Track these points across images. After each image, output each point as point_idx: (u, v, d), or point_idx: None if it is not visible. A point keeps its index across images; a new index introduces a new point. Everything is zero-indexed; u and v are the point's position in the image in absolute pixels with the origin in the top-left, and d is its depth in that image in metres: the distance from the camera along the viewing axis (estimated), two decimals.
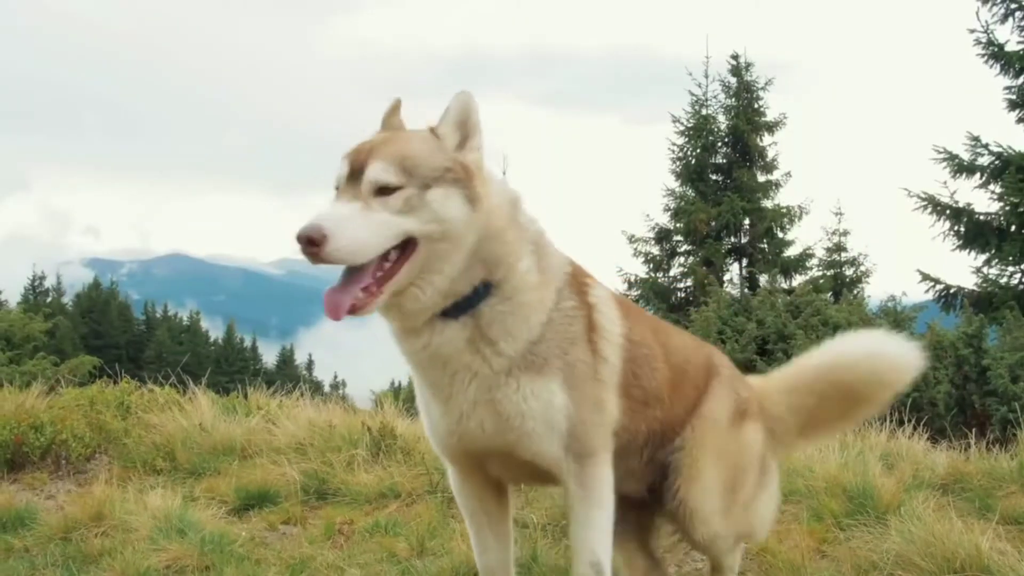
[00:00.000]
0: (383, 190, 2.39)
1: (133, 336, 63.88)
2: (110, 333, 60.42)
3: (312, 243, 2.25)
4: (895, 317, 11.19)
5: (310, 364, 77.95)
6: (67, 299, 62.04)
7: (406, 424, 6.32)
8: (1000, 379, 8.17)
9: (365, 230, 2.33)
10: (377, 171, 2.39)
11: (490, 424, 2.63)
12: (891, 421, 6.22)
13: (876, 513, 4.18)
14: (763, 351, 11.28)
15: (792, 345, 10.63)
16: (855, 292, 22.85)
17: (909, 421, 6.23)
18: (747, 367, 10.86)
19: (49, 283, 58.17)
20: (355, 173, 2.41)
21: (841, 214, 27.13)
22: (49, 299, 56.22)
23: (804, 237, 27.72)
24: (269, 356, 75.63)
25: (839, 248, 26.92)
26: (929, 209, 16.26)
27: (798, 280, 25.87)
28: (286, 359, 73.00)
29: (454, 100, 2.58)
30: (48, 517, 4.83)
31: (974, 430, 6.48)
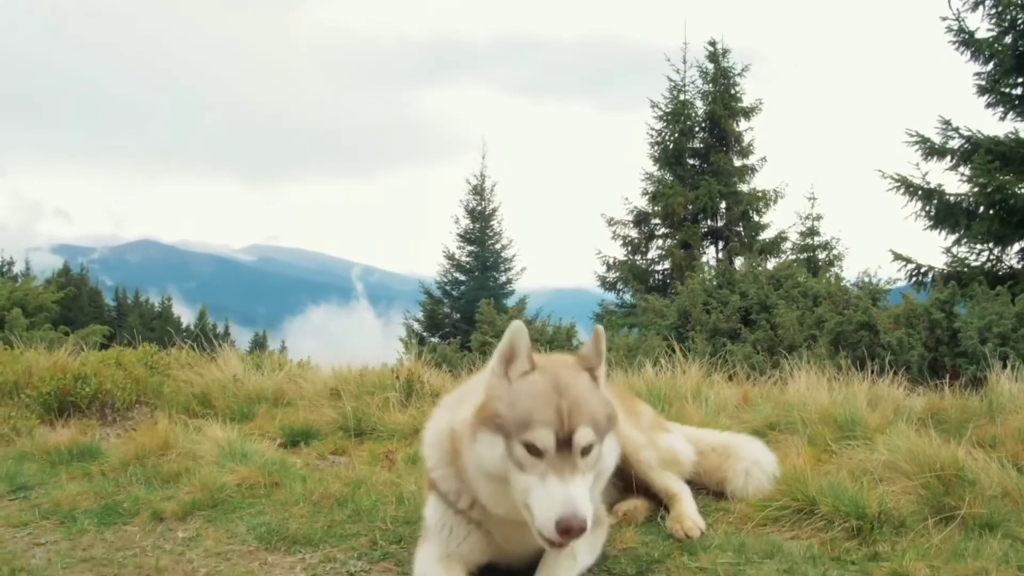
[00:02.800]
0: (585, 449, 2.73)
1: (104, 322, 63.52)
2: (80, 319, 60.06)
3: (580, 532, 2.57)
4: (870, 289, 11.81)
5: (283, 349, 77.73)
6: (37, 284, 61.57)
7: (430, 373, 6.83)
8: (970, 340, 8.78)
9: (589, 498, 2.69)
10: (583, 438, 2.69)
11: None
12: (871, 374, 6.79)
13: (864, 437, 4.74)
14: (747, 320, 11.86)
15: (775, 314, 11.21)
16: (828, 276, 23.57)
17: (887, 370, 6.79)
18: (732, 335, 11.47)
19: (18, 269, 57.78)
20: (563, 441, 2.66)
21: (814, 199, 27.95)
22: (19, 284, 55.70)
23: (778, 221, 28.53)
24: (242, 342, 75.46)
25: (812, 232, 27.71)
26: (901, 190, 16.89)
27: (772, 263, 26.60)
28: (259, 344, 72.88)
29: (597, 335, 2.95)
30: (118, 448, 5.28)
31: (946, 383, 7.05)
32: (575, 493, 2.62)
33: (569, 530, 2.56)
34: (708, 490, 4.29)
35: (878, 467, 4.18)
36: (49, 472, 4.95)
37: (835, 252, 27.20)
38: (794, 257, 26.81)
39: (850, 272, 25.47)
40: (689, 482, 4.18)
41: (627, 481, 4.05)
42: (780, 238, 27.80)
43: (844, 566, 3.37)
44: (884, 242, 21.79)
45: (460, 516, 3.10)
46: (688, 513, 3.80)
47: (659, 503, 4.01)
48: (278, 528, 3.91)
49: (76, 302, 61.58)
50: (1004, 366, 8.24)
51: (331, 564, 3.53)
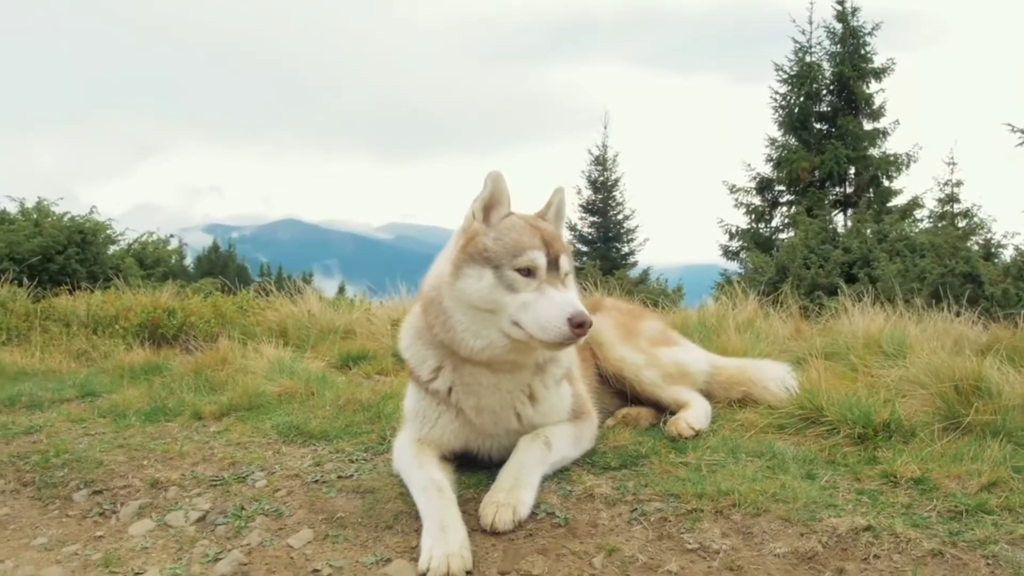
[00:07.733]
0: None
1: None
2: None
3: (589, 327, 2.82)
4: (986, 240, 11.23)
5: None
6: (188, 261, 65.17)
7: None
8: None
9: None
10: (566, 263, 3.04)
11: None
12: (947, 312, 6.50)
13: (903, 359, 4.59)
14: (849, 276, 11.48)
15: (876, 268, 10.81)
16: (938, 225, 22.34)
17: (966, 309, 6.47)
18: (830, 291, 11.13)
19: (171, 247, 61.39)
20: (552, 262, 2.96)
21: (954, 164, 26.42)
22: (172, 262, 59.29)
23: (912, 186, 27.02)
24: None
25: (951, 199, 26.21)
26: None
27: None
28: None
29: (556, 194, 3.29)
30: (182, 365, 5.67)
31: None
32: (574, 298, 2.92)
33: (583, 324, 2.79)
34: (725, 401, 4.27)
35: (897, 381, 4.06)
36: (118, 383, 5.38)
37: (976, 220, 25.68)
38: (931, 225, 25.50)
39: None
40: (708, 396, 4.18)
41: (626, 399, 4.08)
42: (914, 204, 26.44)
43: (835, 468, 3.31)
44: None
45: (431, 399, 3.24)
46: (685, 416, 3.80)
47: (669, 414, 4.01)
48: (299, 425, 4.14)
49: (223, 276, 64.97)
50: None
51: (338, 454, 3.73)
